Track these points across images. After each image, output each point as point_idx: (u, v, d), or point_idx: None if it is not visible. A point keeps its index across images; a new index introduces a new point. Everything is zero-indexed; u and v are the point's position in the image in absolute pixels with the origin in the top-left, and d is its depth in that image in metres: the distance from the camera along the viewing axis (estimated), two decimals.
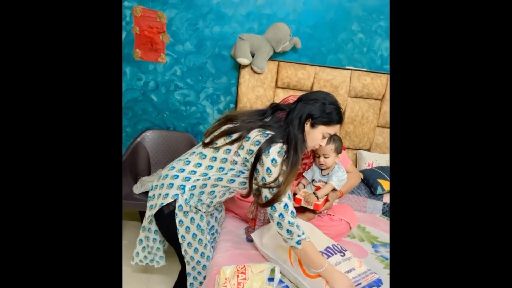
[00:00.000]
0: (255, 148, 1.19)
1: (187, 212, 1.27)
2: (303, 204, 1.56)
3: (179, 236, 1.29)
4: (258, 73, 2.27)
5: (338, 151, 1.61)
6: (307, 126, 1.25)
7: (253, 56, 2.22)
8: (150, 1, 2.22)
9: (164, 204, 1.26)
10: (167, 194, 1.26)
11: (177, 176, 1.28)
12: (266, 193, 1.19)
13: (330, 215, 1.65)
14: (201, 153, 1.31)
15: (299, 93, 2.27)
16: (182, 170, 1.29)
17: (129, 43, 2.30)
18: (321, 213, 1.64)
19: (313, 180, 1.68)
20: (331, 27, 2.33)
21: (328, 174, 1.64)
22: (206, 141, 1.31)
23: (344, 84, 2.31)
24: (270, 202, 1.18)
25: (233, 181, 1.29)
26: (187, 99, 2.43)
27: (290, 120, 1.23)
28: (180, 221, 1.27)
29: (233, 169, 1.27)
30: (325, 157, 1.59)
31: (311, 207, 1.55)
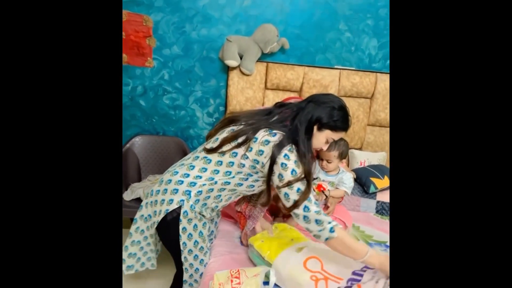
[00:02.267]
0: (264, 148, 1.16)
1: (191, 219, 1.24)
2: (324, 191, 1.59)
3: (181, 243, 1.25)
4: (247, 75, 2.25)
5: (343, 156, 1.65)
6: (314, 129, 1.23)
7: (241, 58, 2.20)
8: (135, 5, 2.19)
9: (169, 211, 1.22)
10: (171, 200, 1.22)
11: (182, 182, 1.23)
12: (290, 194, 1.14)
13: None
14: (205, 157, 1.26)
15: (289, 94, 2.29)
16: (187, 175, 1.24)
17: None
18: None
19: (314, 178, 1.69)
20: (319, 27, 2.33)
21: (335, 174, 1.68)
22: (209, 146, 1.27)
23: (333, 83, 2.31)
24: (298, 203, 1.13)
25: (241, 184, 1.25)
26: (176, 103, 2.40)
27: (299, 121, 1.20)
28: (184, 228, 1.24)
29: (241, 173, 1.23)
30: (328, 162, 1.62)
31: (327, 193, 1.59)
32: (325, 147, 1.30)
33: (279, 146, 1.15)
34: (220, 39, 2.28)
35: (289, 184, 1.13)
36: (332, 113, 1.22)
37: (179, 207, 1.21)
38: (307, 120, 1.20)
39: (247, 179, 1.24)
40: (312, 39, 2.35)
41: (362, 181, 2.08)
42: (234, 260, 1.35)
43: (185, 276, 1.32)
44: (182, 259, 1.29)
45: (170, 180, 1.25)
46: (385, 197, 2.06)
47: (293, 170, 1.13)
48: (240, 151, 1.20)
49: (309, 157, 1.19)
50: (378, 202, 2.04)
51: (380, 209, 2.03)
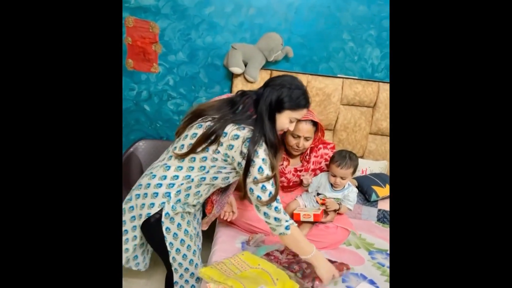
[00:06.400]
0: (234, 143, 1.19)
1: (173, 218, 1.27)
2: (302, 218, 1.56)
3: (167, 244, 1.28)
4: (251, 82, 2.28)
5: (355, 171, 1.66)
6: (276, 113, 1.25)
7: (245, 66, 2.23)
8: (142, 12, 2.22)
9: (151, 214, 1.25)
10: (153, 204, 1.25)
11: (161, 185, 1.27)
12: (258, 192, 1.19)
13: (325, 223, 1.65)
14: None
15: None
16: (164, 177, 1.28)
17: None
18: (317, 223, 1.63)
19: (318, 194, 1.68)
20: (322, 36, 2.36)
21: (341, 190, 1.67)
22: (178, 148, 1.28)
23: (336, 92, 2.33)
24: (271, 200, 1.19)
25: (216, 178, 1.29)
26: (180, 108, 2.43)
27: (261, 109, 1.23)
28: (167, 228, 1.27)
29: (214, 166, 1.26)
30: (342, 179, 1.61)
31: (311, 219, 1.56)
32: (292, 127, 1.32)
33: (254, 143, 1.18)
34: (225, 47, 2.31)
35: (255, 182, 1.18)
36: (290, 93, 1.24)
37: (161, 209, 1.25)
38: (267, 106, 1.23)
39: (221, 171, 1.28)
40: (316, 48, 2.38)
41: (364, 189, 2.09)
42: None
43: (176, 277, 1.34)
44: (171, 260, 1.31)
45: (149, 184, 1.28)
46: (386, 205, 2.06)
47: (260, 167, 1.17)
48: (212, 147, 1.23)
49: (277, 147, 1.23)
50: (379, 210, 2.04)
51: (381, 218, 2.03)
